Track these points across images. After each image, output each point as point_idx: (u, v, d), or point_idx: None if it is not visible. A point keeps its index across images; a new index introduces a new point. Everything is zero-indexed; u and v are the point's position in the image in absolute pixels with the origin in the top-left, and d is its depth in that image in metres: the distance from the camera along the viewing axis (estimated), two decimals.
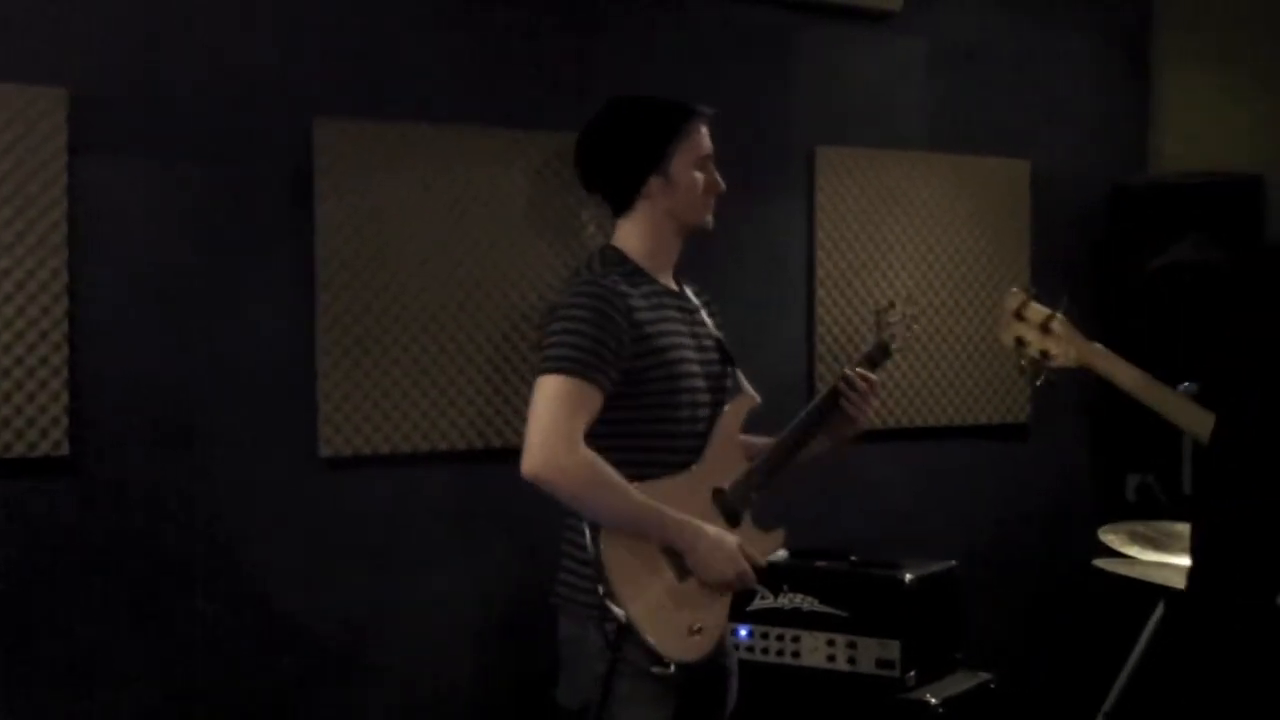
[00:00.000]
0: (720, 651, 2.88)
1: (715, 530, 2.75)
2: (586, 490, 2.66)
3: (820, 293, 4.52)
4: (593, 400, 2.68)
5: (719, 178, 2.89)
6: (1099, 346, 3.12)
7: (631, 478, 2.70)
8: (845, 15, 4.58)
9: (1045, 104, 4.98)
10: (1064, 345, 3.12)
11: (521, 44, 4.03)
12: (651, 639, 2.67)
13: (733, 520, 2.82)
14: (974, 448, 4.82)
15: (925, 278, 4.70)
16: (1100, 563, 3.50)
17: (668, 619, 2.70)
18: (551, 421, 2.64)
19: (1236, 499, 1.67)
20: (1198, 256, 4.40)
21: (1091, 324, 4.73)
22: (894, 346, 3.09)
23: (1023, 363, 3.19)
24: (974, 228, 4.80)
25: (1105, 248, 4.91)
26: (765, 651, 3.87)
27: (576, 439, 2.65)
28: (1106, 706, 4.13)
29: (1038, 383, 3.18)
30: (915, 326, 3.15)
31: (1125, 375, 3.06)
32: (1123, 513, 4.15)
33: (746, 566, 2.76)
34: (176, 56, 3.58)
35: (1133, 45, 5.18)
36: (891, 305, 3.13)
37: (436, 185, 3.87)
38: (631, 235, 2.88)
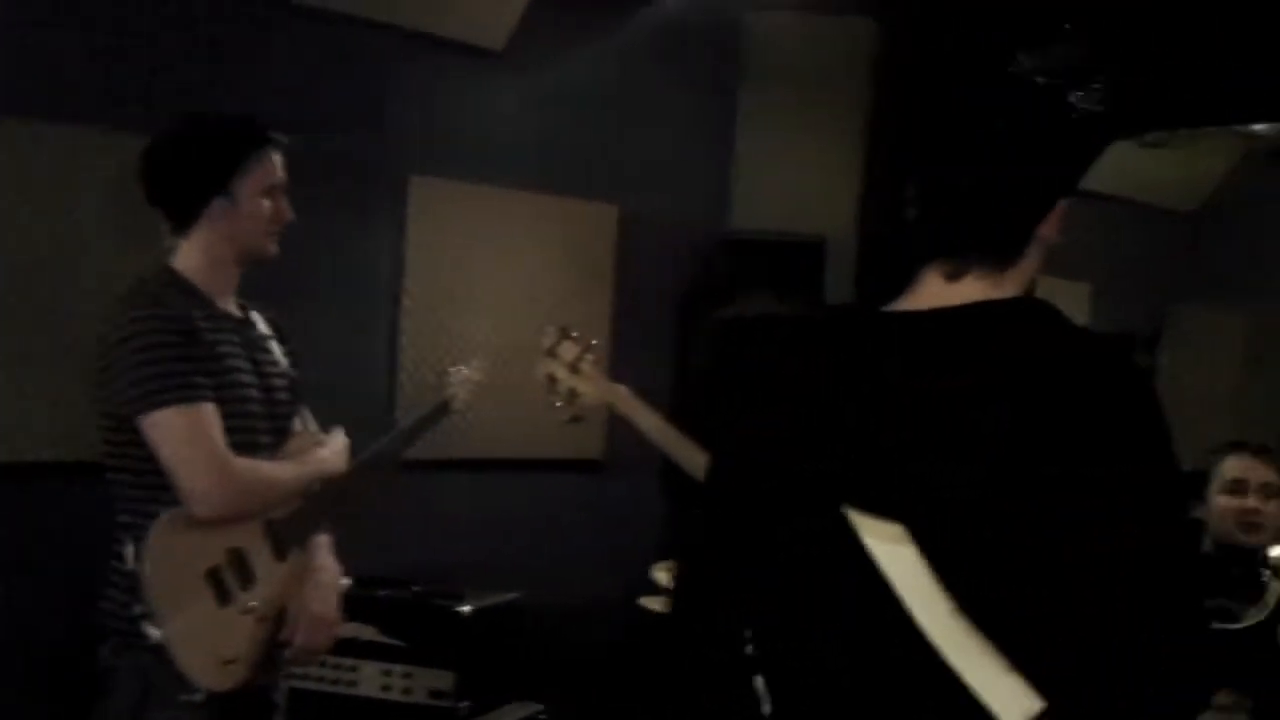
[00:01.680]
0: (266, 684, 2.85)
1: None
2: (267, 499, 2.75)
3: (405, 323, 4.52)
4: (213, 414, 2.65)
5: (286, 206, 2.86)
6: (622, 389, 3.25)
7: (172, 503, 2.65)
8: (449, 48, 4.59)
9: (640, 151, 5.11)
10: (589, 384, 3.24)
11: (115, 42, 3.85)
12: (183, 664, 2.61)
13: (279, 552, 2.80)
14: (549, 481, 4.92)
15: (511, 313, 4.77)
16: (646, 600, 3.65)
17: (202, 645, 2.65)
18: (194, 458, 2.61)
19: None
20: (761, 311, 4.68)
21: (670, 371, 4.97)
22: (454, 406, 3.14)
23: (554, 399, 3.27)
24: (562, 268, 4.91)
25: (686, 297, 5.12)
26: (320, 680, 3.85)
27: (230, 461, 2.65)
28: None
29: (565, 420, 3.27)
30: (478, 392, 3.21)
31: (644, 419, 3.20)
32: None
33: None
34: None
35: (724, 100, 5.39)
36: (458, 367, 3.18)
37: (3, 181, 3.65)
38: (190, 256, 2.81)
